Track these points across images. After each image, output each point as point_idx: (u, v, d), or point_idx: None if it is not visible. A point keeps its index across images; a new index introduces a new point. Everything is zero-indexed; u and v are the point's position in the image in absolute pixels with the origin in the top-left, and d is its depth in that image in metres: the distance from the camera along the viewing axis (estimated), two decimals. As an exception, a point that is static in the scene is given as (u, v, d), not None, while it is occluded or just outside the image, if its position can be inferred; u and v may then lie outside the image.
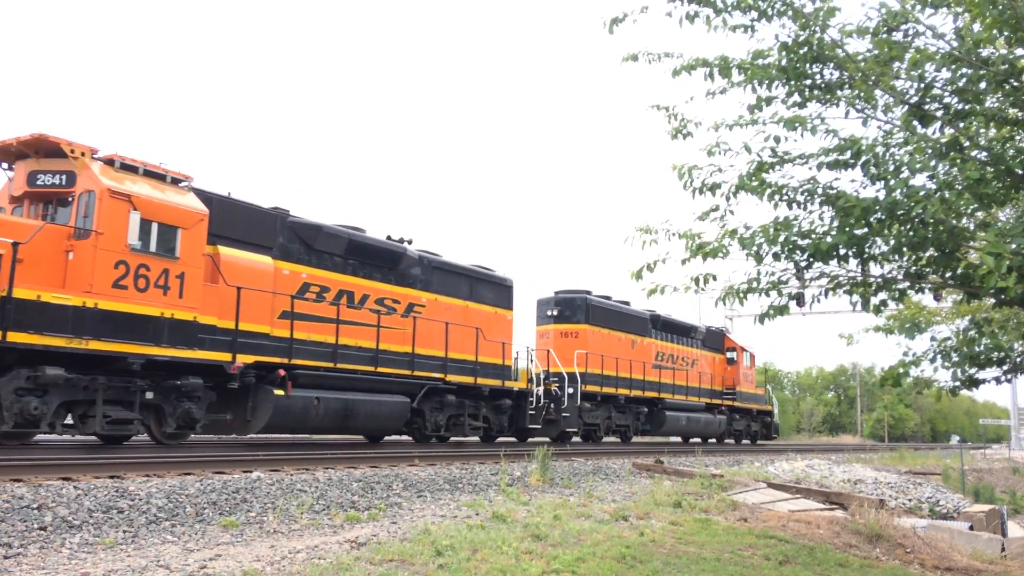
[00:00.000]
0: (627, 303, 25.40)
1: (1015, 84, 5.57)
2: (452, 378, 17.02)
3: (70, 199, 11.26)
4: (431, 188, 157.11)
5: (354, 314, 15.12)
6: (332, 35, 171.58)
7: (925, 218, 5.41)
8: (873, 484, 18.38)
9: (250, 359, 12.76)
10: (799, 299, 6.29)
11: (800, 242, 5.89)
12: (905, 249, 5.97)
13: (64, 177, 11.31)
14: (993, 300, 6.28)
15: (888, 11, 5.74)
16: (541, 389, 19.99)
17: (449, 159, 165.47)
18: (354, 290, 15.31)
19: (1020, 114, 5.89)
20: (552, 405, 20.36)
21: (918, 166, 5.50)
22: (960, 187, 5.60)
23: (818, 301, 6.48)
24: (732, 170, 6.20)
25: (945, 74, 5.81)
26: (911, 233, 5.76)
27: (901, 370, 6.53)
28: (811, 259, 5.92)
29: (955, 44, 5.66)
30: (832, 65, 5.88)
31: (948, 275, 6.23)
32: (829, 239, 5.73)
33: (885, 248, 6.04)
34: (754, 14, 5.83)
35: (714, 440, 29.53)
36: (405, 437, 18.24)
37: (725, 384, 30.39)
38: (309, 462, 11.21)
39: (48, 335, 10.19)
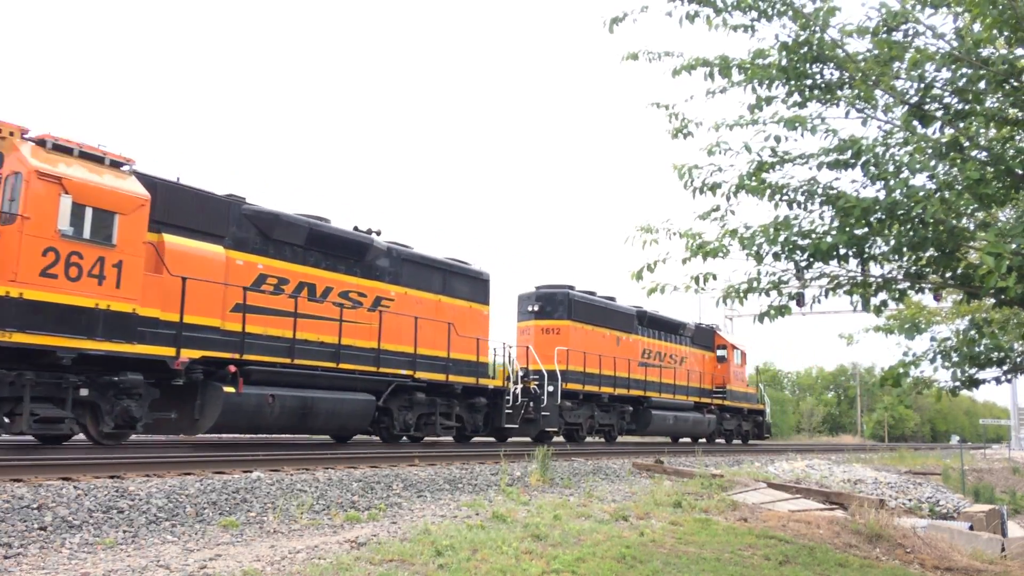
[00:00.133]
0: (612, 299, 24.65)
1: (1015, 84, 5.57)
2: (422, 375, 16.35)
3: None
4: (429, 187, 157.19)
5: (315, 307, 14.40)
6: (331, 32, 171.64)
7: (925, 218, 5.41)
8: (873, 484, 18.38)
9: (197, 354, 12.05)
10: (799, 299, 6.30)
11: (800, 242, 5.89)
12: (905, 249, 5.98)
13: None
14: (993, 300, 6.28)
15: (888, 11, 5.74)
16: (519, 387, 19.37)
17: (447, 158, 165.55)
18: (315, 282, 14.57)
19: (1020, 114, 5.89)
20: (531, 404, 19.69)
21: (918, 166, 5.50)
22: (960, 187, 5.60)
23: (818, 301, 6.49)
24: (732, 170, 6.21)
25: (945, 74, 5.82)
26: (911, 233, 5.77)
27: (901, 370, 6.53)
28: (811, 259, 5.92)
29: (955, 44, 5.66)
30: (832, 65, 5.88)
31: (948, 275, 6.23)
32: (829, 239, 5.73)
33: (885, 248, 6.04)
34: (754, 14, 5.83)
35: (704, 440, 28.80)
36: (374, 437, 17.65)
37: (715, 383, 29.59)
38: (309, 462, 11.22)
39: None
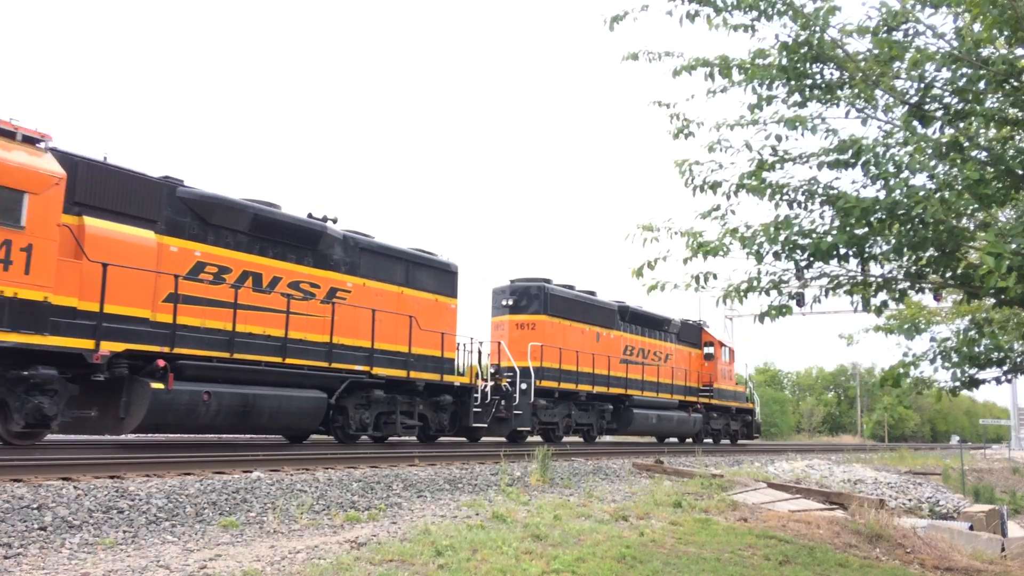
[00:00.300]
0: (593, 293, 23.70)
1: (1015, 84, 5.57)
2: (379, 371, 15.41)
3: None
4: (427, 186, 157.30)
5: (261, 298, 13.47)
6: (331, 30, 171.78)
7: (925, 218, 5.42)
8: (873, 484, 18.40)
9: (120, 347, 11.10)
10: (799, 299, 6.30)
11: (800, 241, 5.90)
12: (905, 249, 5.98)
13: None
14: (993, 300, 6.28)
15: (888, 11, 5.75)
16: (489, 384, 18.42)
17: (443, 156, 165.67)
18: (262, 272, 13.62)
19: (1020, 114, 5.90)
20: (503, 402, 18.74)
21: (918, 166, 5.51)
22: (960, 187, 5.60)
23: (818, 301, 6.49)
24: (733, 167, 6.21)
25: (945, 74, 5.82)
26: (911, 233, 5.77)
27: (901, 370, 6.54)
28: (811, 259, 5.92)
29: (955, 44, 5.66)
30: (832, 65, 5.89)
31: (948, 275, 6.24)
32: (829, 239, 5.73)
33: (885, 248, 6.05)
34: (754, 13, 5.84)
35: (690, 440, 27.97)
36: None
37: (702, 381, 28.53)
38: (309, 462, 11.22)
39: None
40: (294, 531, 7.10)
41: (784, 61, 5.92)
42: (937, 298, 7.94)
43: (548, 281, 21.84)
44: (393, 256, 16.70)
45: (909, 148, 5.64)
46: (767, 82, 6.02)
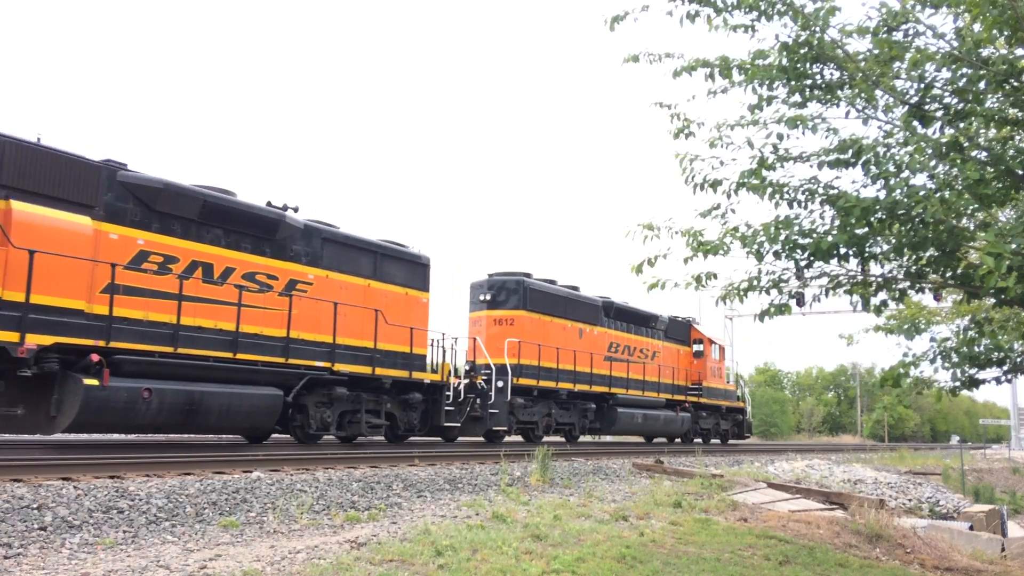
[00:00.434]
0: (576, 288, 22.78)
1: (1015, 84, 5.57)
2: (341, 367, 14.65)
3: None
4: (425, 185, 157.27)
5: (212, 290, 12.73)
6: (331, 28, 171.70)
7: (925, 218, 5.42)
8: (873, 484, 18.40)
9: (48, 340, 10.42)
10: (799, 298, 6.30)
11: (801, 241, 5.90)
12: (905, 249, 5.98)
13: None
14: (993, 300, 6.28)
15: (888, 11, 5.75)
16: (463, 382, 17.76)
17: (440, 155, 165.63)
18: (213, 262, 12.84)
19: (1020, 114, 5.90)
20: (478, 401, 18.07)
21: (918, 166, 5.51)
22: (960, 187, 5.60)
23: (818, 300, 6.50)
24: (734, 164, 6.21)
25: (945, 74, 5.83)
26: (911, 233, 5.77)
27: (901, 370, 6.53)
28: (812, 258, 5.92)
29: (955, 44, 5.67)
30: (832, 65, 5.89)
31: (948, 275, 6.24)
32: (830, 238, 5.74)
33: (885, 248, 6.05)
34: (754, 14, 5.84)
35: (679, 440, 27.27)
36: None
37: (690, 379, 27.55)
38: (309, 462, 11.22)
39: None
40: (294, 531, 7.10)
41: (784, 61, 5.92)
42: (937, 298, 7.94)
43: (528, 275, 21.11)
44: (360, 247, 15.90)
45: (909, 148, 5.64)
46: (767, 82, 6.02)
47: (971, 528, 14.18)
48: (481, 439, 19.47)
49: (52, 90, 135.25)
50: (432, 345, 17.42)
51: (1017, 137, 6.08)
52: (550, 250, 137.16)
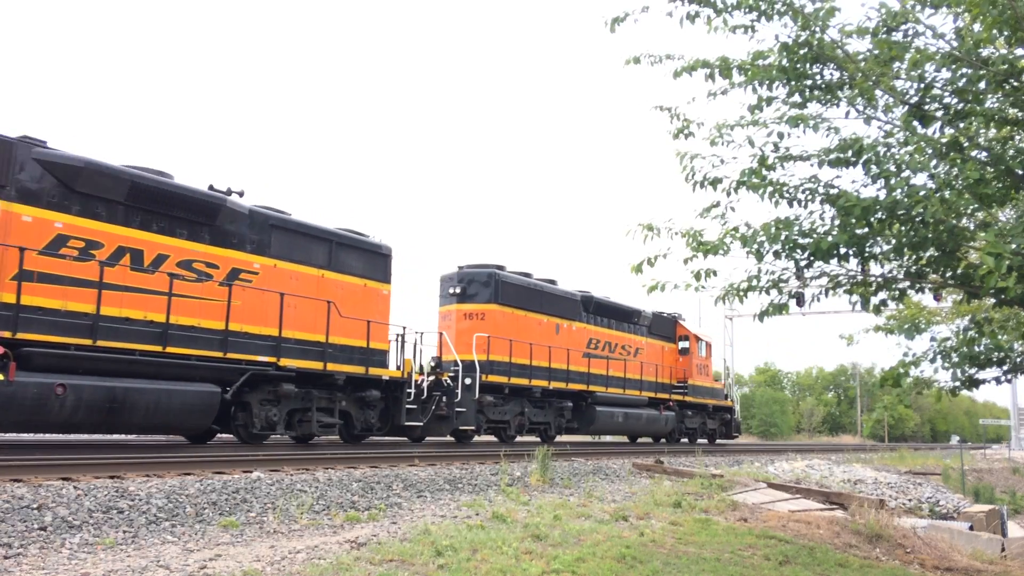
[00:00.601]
0: (553, 282, 21.78)
1: (1015, 84, 5.58)
2: (288, 362, 13.69)
3: None
4: (424, 185, 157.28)
5: (141, 279, 11.81)
6: (331, 28, 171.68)
7: (925, 218, 5.42)
8: (873, 484, 18.41)
9: None
10: (799, 298, 6.31)
11: (801, 241, 5.90)
12: (905, 249, 5.99)
13: None
14: (993, 300, 6.29)
15: (888, 11, 5.76)
16: (426, 379, 16.84)
17: (443, 157, 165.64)
18: (143, 248, 11.91)
19: (1020, 114, 5.90)
20: (444, 398, 17.17)
21: (918, 166, 5.51)
22: (960, 187, 5.61)
23: (818, 300, 6.50)
24: (735, 163, 6.22)
25: (945, 74, 5.83)
26: (911, 233, 5.78)
27: (901, 370, 6.54)
28: (811, 258, 5.93)
29: (955, 44, 5.67)
30: (832, 65, 5.90)
31: (948, 275, 6.24)
32: (830, 238, 5.74)
33: (885, 248, 6.05)
34: (754, 14, 5.85)
35: (664, 440, 26.43)
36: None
37: (676, 377, 26.57)
38: (309, 462, 11.23)
39: None
40: (294, 531, 7.10)
41: (784, 62, 5.92)
42: (937, 298, 7.94)
43: (501, 268, 20.08)
44: (313, 235, 14.84)
45: (909, 148, 5.65)
46: (767, 83, 6.02)
47: (971, 528, 14.18)
48: (490, 439, 18.91)
49: (52, 90, 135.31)
50: (397, 340, 16.61)
51: (1017, 137, 6.09)
52: (550, 250, 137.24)
